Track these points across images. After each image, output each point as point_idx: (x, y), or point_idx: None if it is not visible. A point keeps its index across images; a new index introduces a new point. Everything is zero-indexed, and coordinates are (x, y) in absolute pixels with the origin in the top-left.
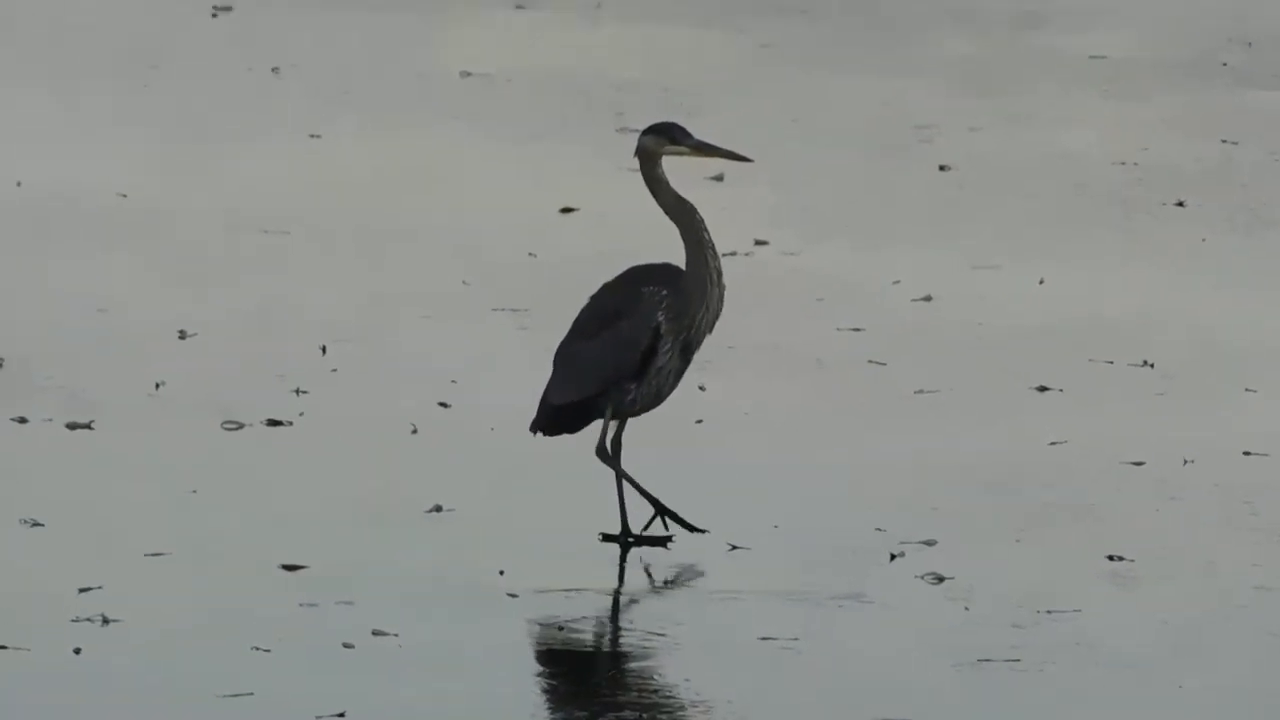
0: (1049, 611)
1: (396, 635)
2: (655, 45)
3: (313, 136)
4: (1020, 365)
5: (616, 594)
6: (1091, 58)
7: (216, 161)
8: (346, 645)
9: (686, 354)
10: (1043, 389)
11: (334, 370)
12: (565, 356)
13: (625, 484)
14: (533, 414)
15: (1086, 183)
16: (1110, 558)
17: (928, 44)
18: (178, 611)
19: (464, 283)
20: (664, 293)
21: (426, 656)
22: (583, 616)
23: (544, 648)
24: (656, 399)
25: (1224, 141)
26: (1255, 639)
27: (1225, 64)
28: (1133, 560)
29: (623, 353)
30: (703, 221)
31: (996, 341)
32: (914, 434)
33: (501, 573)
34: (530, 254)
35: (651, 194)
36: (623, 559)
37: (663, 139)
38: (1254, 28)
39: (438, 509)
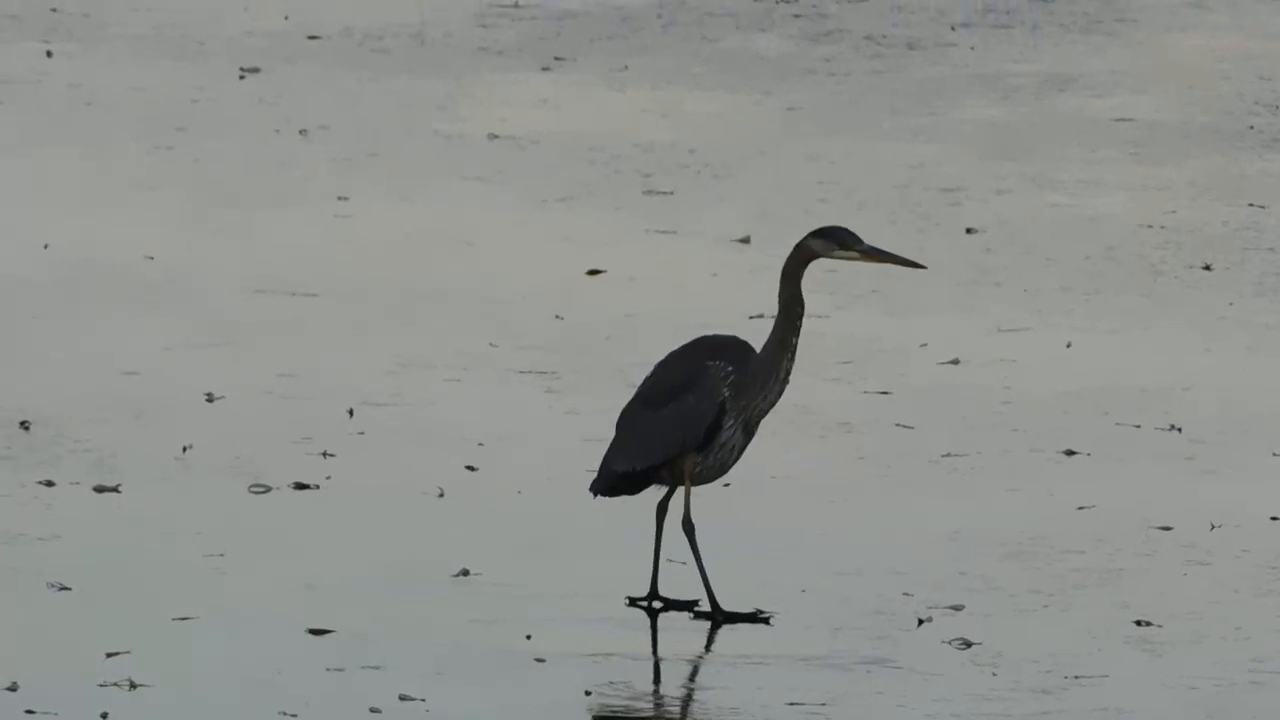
0: (1077, 677)
1: (424, 700)
2: (681, 108)
3: (340, 199)
4: (1047, 429)
5: (644, 660)
6: (1118, 120)
7: (243, 224)
8: (374, 710)
9: (748, 430)
10: (1070, 453)
11: (361, 433)
12: (630, 424)
13: (694, 556)
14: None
15: (1114, 246)
16: (1138, 623)
17: (954, 107)
18: (205, 676)
19: (491, 345)
20: (730, 369)
21: None
22: (610, 682)
23: (571, 714)
24: (721, 470)
25: (1251, 205)
26: None
27: (1252, 127)
28: (1161, 626)
29: (688, 426)
30: (800, 328)
31: (1024, 405)
32: (941, 498)
33: (529, 637)
34: (557, 316)
35: (781, 281)
36: (653, 624)
37: (832, 244)
38: None
39: (465, 573)
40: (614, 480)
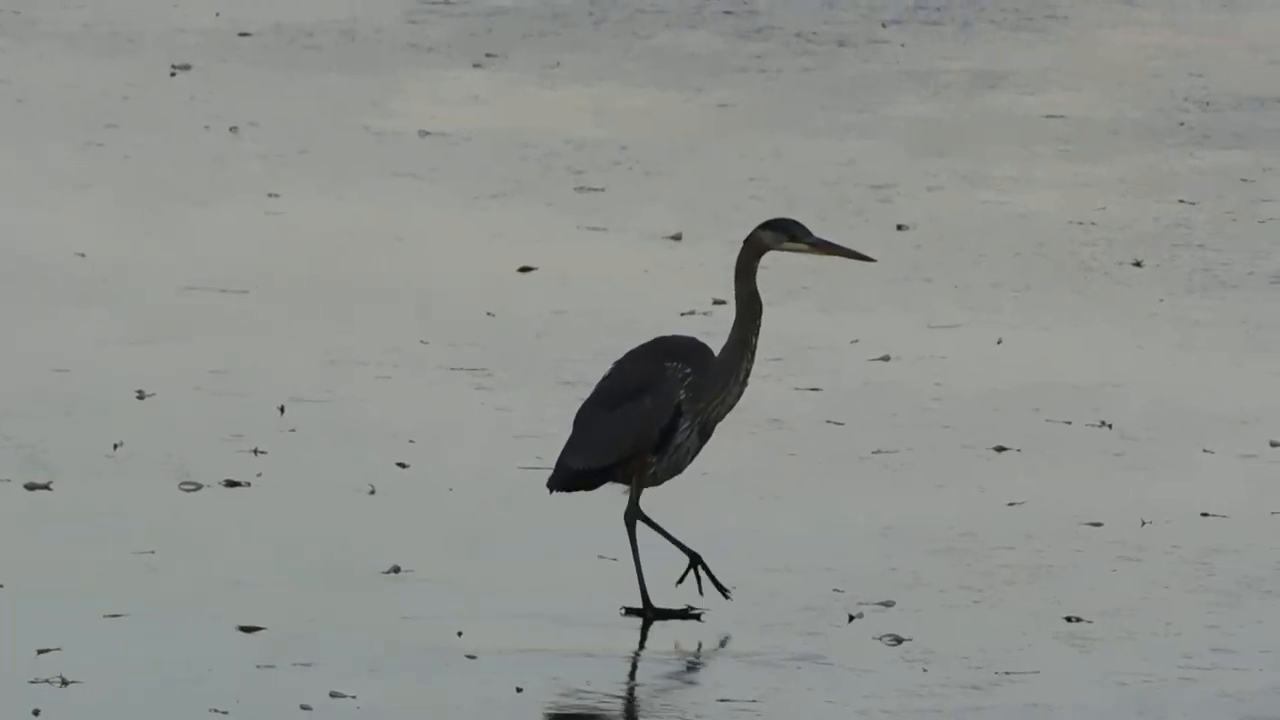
0: (1007, 673)
1: (354, 697)
2: (613, 105)
3: (271, 196)
4: (978, 426)
5: (576, 657)
6: (1048, 117)
7: (175, 221)
8: (304, 707)
9: (704, 433)
10: (1001, 449)
11: (292, 430)
12: (586, 424)
13: (656, 543)
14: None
15: (1044, 243)
16: (1069, 619)
17: (885, 104)
18: (136, 673)
19: (422, 342)
20: (687, 370)
21: (384, 718)
22: (540, 678)
23: (503, 710)
24: (675, 471)
25: (1182, 201)
26: (1213, 701)
27: (1182, 124)
28: (1091, 622)
29: (643, 427)
30: (759, 327)
31: (954, 402)
32: (872, 494)
33: (460, 634)
34: (489, 313)
35: (735, 278)
36: (584, 621)
37: (781, 236)
38: (1212, 87)
39: (396, 570)
40: (570, 477)
